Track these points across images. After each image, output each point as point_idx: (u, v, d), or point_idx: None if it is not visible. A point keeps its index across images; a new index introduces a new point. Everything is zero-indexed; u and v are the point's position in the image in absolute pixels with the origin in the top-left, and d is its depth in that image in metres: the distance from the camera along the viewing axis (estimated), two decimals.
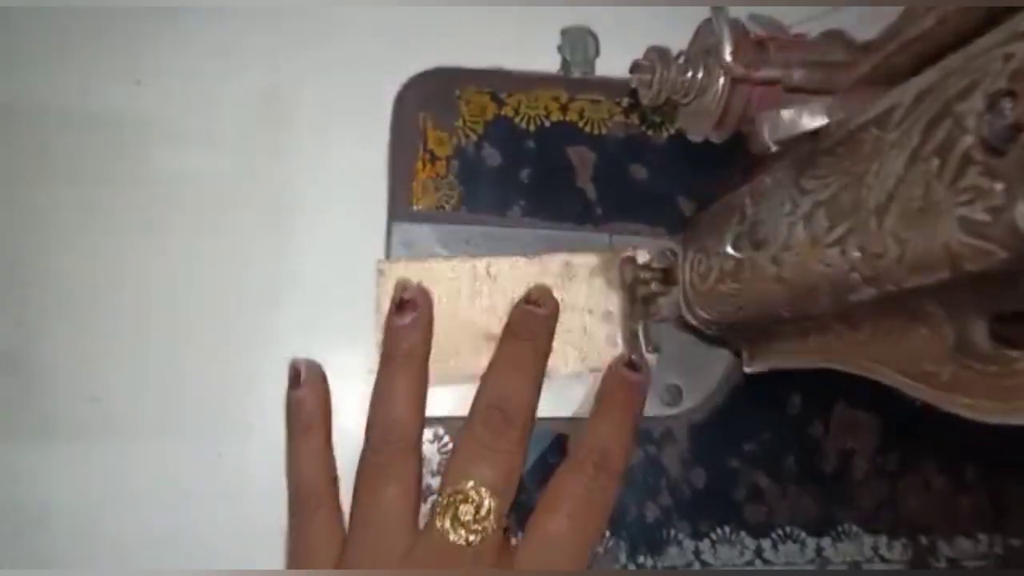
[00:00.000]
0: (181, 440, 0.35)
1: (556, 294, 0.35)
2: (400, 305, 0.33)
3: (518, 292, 0.35)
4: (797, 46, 0.22)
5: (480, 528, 0.28)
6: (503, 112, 0.37)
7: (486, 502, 0.28)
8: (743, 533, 0.36)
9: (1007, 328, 0.17)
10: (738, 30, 0.22)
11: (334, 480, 0.32)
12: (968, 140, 0.15)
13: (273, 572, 0.31)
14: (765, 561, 0.36)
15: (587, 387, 0.35)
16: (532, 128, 0.37)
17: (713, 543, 0.36)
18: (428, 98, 0.37)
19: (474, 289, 0.35)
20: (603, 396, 0.33)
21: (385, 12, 0.38)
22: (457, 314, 0.35)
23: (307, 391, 0.33)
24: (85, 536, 0.34)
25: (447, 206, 0.36)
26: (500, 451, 0.29)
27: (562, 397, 0.36)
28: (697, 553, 0.36)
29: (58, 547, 0.34)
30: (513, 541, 0.30)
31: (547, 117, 0.38)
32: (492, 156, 0.37)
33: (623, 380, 0.33)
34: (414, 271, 0.35)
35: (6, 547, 0.34)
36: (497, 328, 0.34)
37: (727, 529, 0.36)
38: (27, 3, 0.36)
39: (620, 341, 0.36)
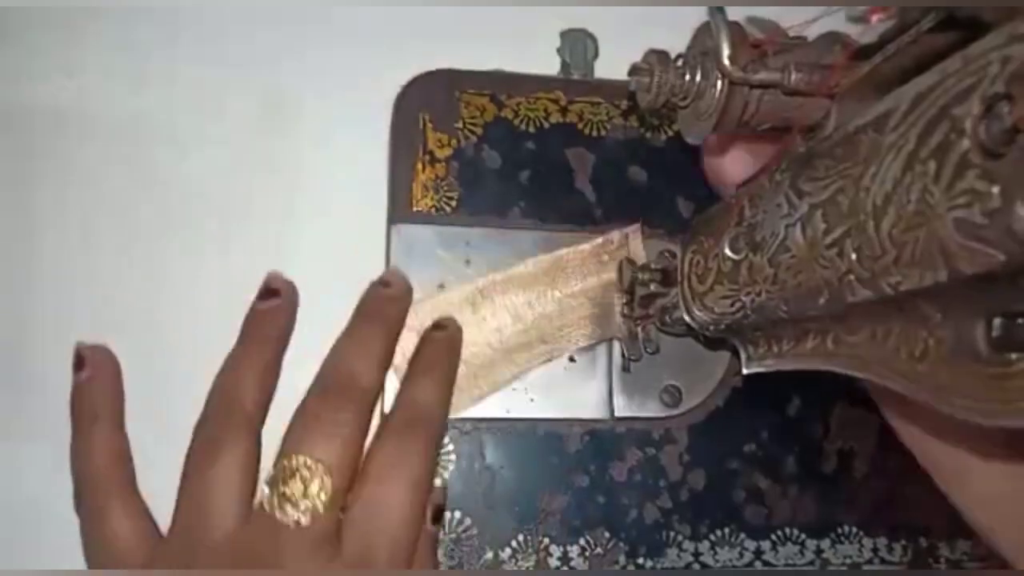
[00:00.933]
0: (181, 440, 0.35)
1: (554, 293, 0.35)
2: (264, 293, 0.32)
3: (518, 300, 0.35)
4: (795, 48, 0.22)
5: (307, 506, 0.26)
6: (503, 114, 0.37)
7: (316, 479, 0.26)
8: (743, 535, 0.36)
9: (1005, 329, 0.17)
10: (736, 33, 0.22)
11: (129, 471, 0.30)
12: (965, 143, 0.15)
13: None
14: (765, 563, 0.36)
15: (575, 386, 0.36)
16: (532, 130, 0.37)
17: (713, 545, 0.36)
18: (428, 100, 0.37)
19: (477, 316, 0.35)
20: (413, 359, 0.32)
21: (385, 14, 0.38)
22: (475, 340, 0.35)
23: (92, 376, 0.30)
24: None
25: (447, 207, 0.36)
26: (336, 425, 0.27)
27: (555, 399, 0.36)
28: (696, 555, 0.36)
29: (58, 546, 0.34)
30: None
31: (546, 119, 0.38)
32: (492, 158, 0.37)
33: (429, 340, 0.33)
34: (425, 311, 0.35)
35: (6, 547, 0.34)
36: (515, 340, 0.35)
37: (727, 531, 0.36)
38: (27, 3, 0.36)
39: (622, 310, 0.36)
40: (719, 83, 0.22)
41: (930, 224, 0.16)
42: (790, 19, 0.24)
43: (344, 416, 0.28)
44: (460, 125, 0.37)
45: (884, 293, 0.18)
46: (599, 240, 0.37)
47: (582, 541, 0.35)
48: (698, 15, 0.23)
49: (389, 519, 0.27)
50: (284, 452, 0.27)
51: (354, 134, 0.37)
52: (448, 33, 0.38)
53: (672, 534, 0.36)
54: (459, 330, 0.34)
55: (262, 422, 0.29)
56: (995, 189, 0.14)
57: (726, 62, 0.21)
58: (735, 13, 0.23)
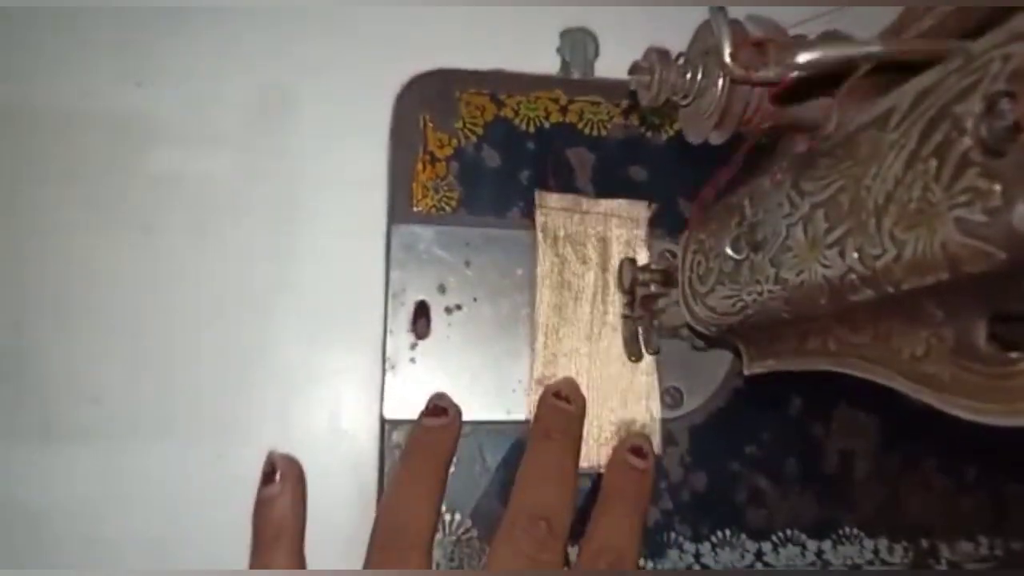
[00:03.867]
0: (180, 441, 0.35)
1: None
2: (432, 409, 0.33)
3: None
4: (796, 47, 0.22)
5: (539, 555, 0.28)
6: (503, 113, 0.37)
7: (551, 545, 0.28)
8: (744, 536, 0.36)
9: (1007, 329, 0.17)
10: (737, 31, 0.22)
11: None
12: (967, 141, 0.15)
13: (272, 572, 0.30)
14: (766, 564, 0.36)
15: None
16: (532, 129, 0.37)
17: (714, 546, 0.36)
18: (428, 99, 0.37)
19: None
20: (609, 489, 0.33)
21: (385, 14, 0.38)
22: None
23: (281, 490, 0.30)
24: (84, 536, 0.34)
25: (447, 207, 0.36)
26: (544, 563, 0.29)
27: None
28: (698, 556, 0.36)
29: (58, 547, 0.34)
30: None
31: (547, 118, 0.38)
32: (492, 157, 0.37)
33: (629, 471, 0.33)
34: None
35: (6, 546, 0.34)
36: None
37: (728, 532, 0.36)
38: (27, 3, 0.36)
39: None
40: (720, 82, 0.22)
41: (931, 223, 0.16)
42: (790, 18, 0.24)
43: (549, 555, 0.29)
44: (460, 125, 0.37)
45: (885, 292, 0.18)
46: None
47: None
48: (700, 13, 0.23)
49: None
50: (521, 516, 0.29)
51: (354, 134, 0.37)
52: (448, 32, 0.38)
53: (673, 535, 0.36)
54: (654, 456, 0.34)
55: (432, 543, 0.30)
56: (996, 187, 0.14)
57: (727, 61, 0.21)
58: (736, 12, 0.23)
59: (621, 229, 0.37)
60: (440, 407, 0.33)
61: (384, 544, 0.29)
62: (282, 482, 0.30)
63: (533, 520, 0.29)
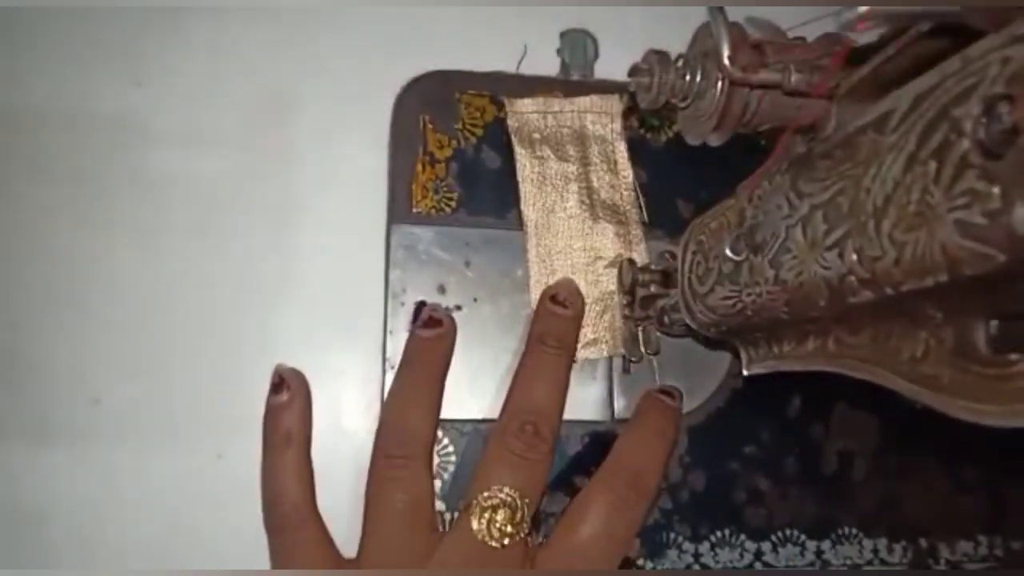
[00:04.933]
0: (181, 441, 0.35)
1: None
2: (428, 320, 0.34)
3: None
4: (795, 49, 0.22)
5: (512, 531, 0.28)
6: (502, 115, 0.37)
7: (520, 507, 0.29)
8: (743, 536, 0.36)
9: (1006, 330, 0.17)
10: (736, 33, 0.22)
11: (314, 496, 0.31)
12: (965, 144, 0.15)
13: (272, 572, 0.31)
14: (765, 564, 0.36)
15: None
16: None
17: (713, 546, 0.36)
18: (428, 101, 0.37)
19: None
20: (639, 415, 0.34)
21: (385, 15, 0.38)
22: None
23: (289, 399, 0.32)
24: (85, 537, 0.34)
25: (447, 208, 0.36)
26: (532, 461, 0.30)
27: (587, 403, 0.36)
28: (697, 556, 0.36)
29: (57, 548, 0.34)
30: (529, 543, 0.30)
31: None
32: (491, 158, 0.37)
33: (660, 403, 0.34)
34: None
35: (6, 547, 0.34)
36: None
37: (727, 532, 0.36)
38: (27, 4, 0.36)
39: None
40: (719, 83, 0.22)
41: (930, 225, 0.16)
42: (790, 20, 0.24)
43: (536, 454, 0.30)
44: (460, 126, 0.37)
45: (885, 294, 0.18)
46: None
47: None
48: (699, 15, 0.23)
49: (586, 567, 0.29)
50: (486, 483, 0.29)
51: (354, 134, 0.37)
52: (448, 34, 0.38)
53: (672, 535, 0.36)
54: (682, 400, 0.35)
55: (433, 450, 0.31)
56: (995, 190, 0.14)
57: (726, 63, 0.21)
58: (735, 14, 0.23)
59: (596, 124, 0.37)
60: (435, 318, 0.33)
61: (389, 451, 0.30)
62: (289, 392, 0.32)
63: (522, 423, 0.30)
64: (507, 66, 0.38)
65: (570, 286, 0.35)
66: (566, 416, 0.35)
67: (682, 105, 0.24)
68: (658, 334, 0.36)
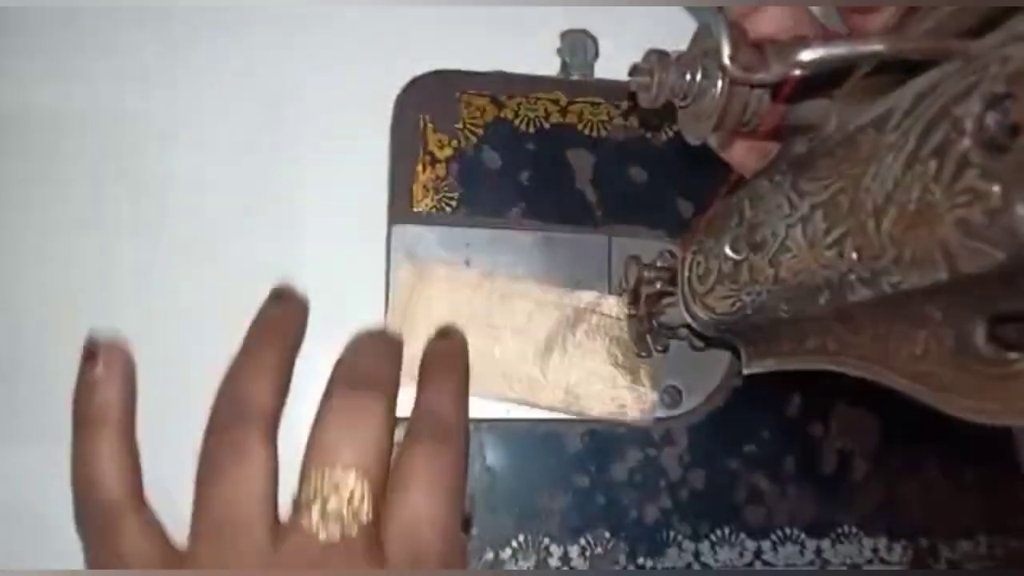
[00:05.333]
0: (180, 441, 0.35)
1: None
2: (274, 296, 0.30)
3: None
4: (799, 46, 0.22)
5: (352, 518, 0.24)
6: (503, 114, 0.37)
7: (357, 487, 0.24)
8: (743, 535, 0.36)
9: (1006, 329, 0.17)
10: (737, 32, 0.22)
11: (139, 482, 0.26)
12: (966, 142, 0.15)
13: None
14: (765, 563, 0.36)
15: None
16: (532, 130, 0.38)
17: (713, 545, 0.36)
18: (428, 101, 0.37)
19: (490, 322, 0.36)
20: (424, 363, 0.30)
21: (385, 15, 0.38)
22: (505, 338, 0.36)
23: (103, 372, 0.27)
24: None
25: (447, 208, 0.36)
26: (363, 418, 0.25)
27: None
28: (697, 555, 0.36)
29: (58, 547, 0.34)
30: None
31: (546, 119, 0.38)
32: (492, 158, 0.37)
33: (436, 346, 0.31)
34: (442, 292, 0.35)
35: (6, 547, 0.34)
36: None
37: (727, 531, 0.36)
38: (27, 3, 0.36)
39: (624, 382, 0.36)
40: (720, 83, 0.22)
41: (931, 224, 0.16)
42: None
43: (374, 412, 0.26)
44: (460, 126, 0.37)
45: (885, 293, 0.18)
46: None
47: (582, 541, 0.35)
48: (699, 15, 0.23)
49: (434, 534, 0.25)
50: (316, 463, 0.25)
51: (354, 135, 0.37)
52: (448, 34, 0.38)
53: (672, 534, 0.36)
54: (464, 339, 0.31)
55: (277, 427, 0.27)
56: (996, 188, 0.14)
57: (727, 62, 0.21)
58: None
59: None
60: (282, 293, 0.30)
61: (223, 423, 0.26)
62: (106, 367, 0.27)
63: (348, 378, 0.27)
64: (507, 66, 0.38)
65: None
66: (566, 416, 0.36)
67: (682, 104, 0.24)
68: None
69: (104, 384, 0.27)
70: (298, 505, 0.24)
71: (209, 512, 0.25)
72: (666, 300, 0.33)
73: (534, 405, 0.35)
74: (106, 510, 0.25)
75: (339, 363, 0.28)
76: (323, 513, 0.24)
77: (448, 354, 0.31)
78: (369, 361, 0.28)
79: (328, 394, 0.27)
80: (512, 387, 0.35)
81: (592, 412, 0.36)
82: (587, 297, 0.36)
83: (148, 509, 0.26)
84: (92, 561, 0.26)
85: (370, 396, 0.26)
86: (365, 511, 0.24)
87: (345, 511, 0.24)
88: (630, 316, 0.36)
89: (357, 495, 0.24)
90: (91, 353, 0.27)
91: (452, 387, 0.29)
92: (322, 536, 0.24)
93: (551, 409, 0.35)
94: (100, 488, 0.25)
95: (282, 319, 0.30)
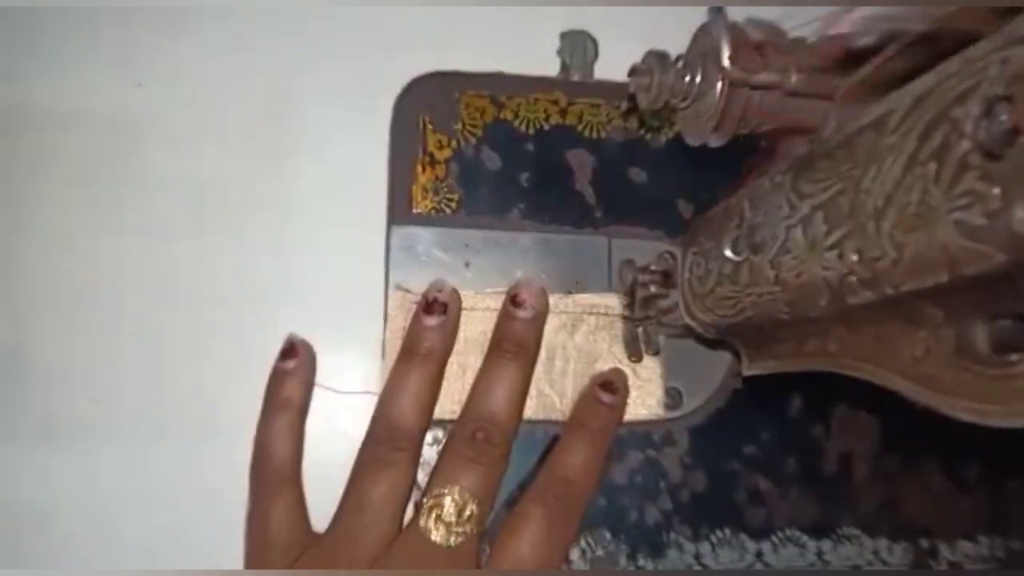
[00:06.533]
0: (180, 441, 0.35)
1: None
2: (429, 305, 0.33)
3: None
4: (795, 50, 0.22)
5: (460, 530, 0.29)
6: (502, 115, 0.37)
7: (468, 507, 0.30)
8: (743, 536, 0.36)
9: (1006, 330, 0.17)
10: (736, 34, 0.22)
11: (300, 463, 0.32)
12: (965, 144, 0.15)
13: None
14: (765, 564, 0.36)
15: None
16: (531, 131, 0.37)
17: (713, 546, 0.36)
18: (428, 101, 0.37)
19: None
20: (574, 421, 0.34)
21: (386, 15, 0.38)
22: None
23: (295, 366, 0.33)
24: (85, 536, 0.34)
25: (447, 209, 0.36)
26: (482, 465, 0.31)
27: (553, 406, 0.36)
28: (697, 556, 0.36)
29: (57, 548, 0.34)
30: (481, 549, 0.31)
31: (546, 120, 0.38)
32: (491, 159, 0.37)
33: (596, 405, 0.34)
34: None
35: (6, 547, 0.34)
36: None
37: (727, 532, 0.36)
38: (27, 3, 0.36)
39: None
40: (719, 84, 0.22)
41: (930, 225, 0.16)
42: (790, 20, 0.24)
43: (487, 459, 0.31)
44: (460, 126, 0.37)
45: (885, 294, 0.18)
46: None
47: (583, 542, 0.35)
48: (699, 16, 0.23)
49: None
50: (439, 483, 0.30)
51: (354, 135, 0.37)
52: (448, 34, 0.38)
53: (673, 535, 0.36)
54: (627, 393, 0.35)
55: (422, 440, 0.32)
56: (995, 190, 0.14)
57: (726, 63, 0.21)
58: (735, 14, 0.23)
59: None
60: (437, 302, 0.33)
61: (377, 441, 0.31)
62: (296, 361, 0.33)
63: (474, 429, 0.31)
64: (507, 66, 0.38)
65: (531, 285, 0.34)
66: (566, 416, 0.36)
67: (682, 106, 0.24)
68: (657, 334, 0.36)
69: (293, 377, 0.33)
70: (420, 507, 0.30)
71: (351, 507, 0.30)
72: (661, 303, 0.33)
73: (547, 420, 0.35)
74: (274, 476, 0.31)
75: (473, 397, 0.32)
76: (438, 519, 0.29)
77: (604, 421, 0.34)
78: (498, 398, 0.32)
79: (458, 432, 0.32)
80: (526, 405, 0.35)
81: None
82: (583, 300, 0.36)
83: (302, 490, 0.32)
84: (251, 513, 0.32)
85: (489, 444, 0.31)
86: (470, 528, 0.29)
87: (455, 522, 0.29)
88: (625, 319, 0.36)
89: (466, 514, 0.30)
90: (289, 350, 0.33)
91: (593, 458, 0.32)
92: (432, 537, 0.29)
93: (565, 416, 0.35)
94: (274, 457, 0.32)
95: (435, 344, 0.33)
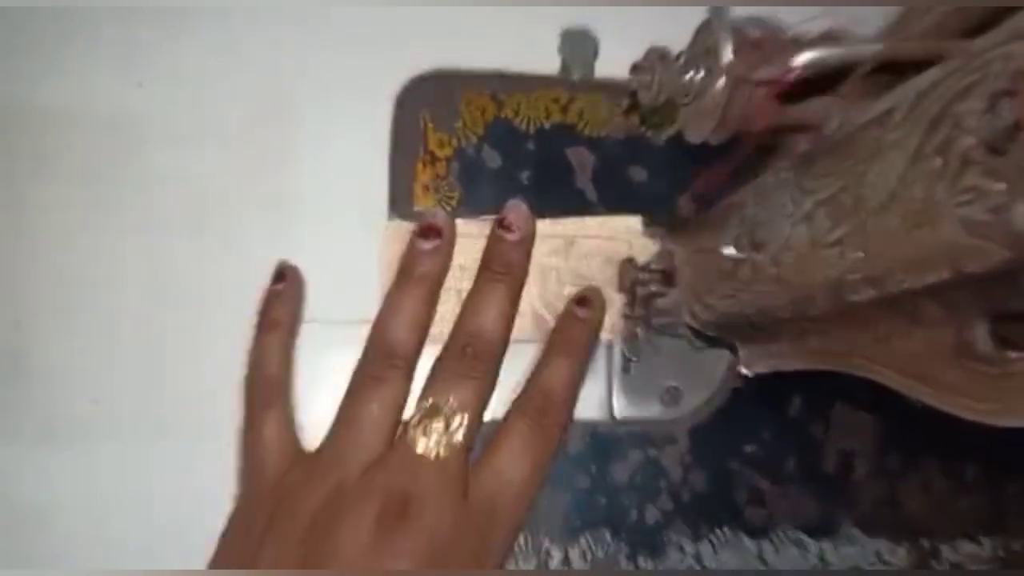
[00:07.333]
0: (180, 441, 0.35)
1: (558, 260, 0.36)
2: (424, 230, 0.34)
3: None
4: (796, 47, 0.22)
5: (447, 442, 0.29)
6: (503, 114, 0.37)
7: (456, 418, 0.30)
8: (743, 535, 0.36)
9: (1007, 329, 0.17)
10: (738, 31, 0.22)
11: (290, 380, 0.33)
12: (968, 140, 0.15)
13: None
14: (766, 564, 0.36)
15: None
16: (532, 129, 0.37)
17: (713, 546, 0.36)
18: (428, 100, 0.37)
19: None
20: (552, 337, 0.34)
21: (385, 14, 0.38)
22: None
23: (286, 289, 0.34)
24: (85, 536, 0.34)
25: (447, 207, 0.36)
26: (472, 379, 0.31)
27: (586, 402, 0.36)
28: (697, 556, 0.36)
29: (58, 547, 0.34)
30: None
31: (547, 118, 0.38)
32: (492, 157, 0.37)
33: (573, 321, 0.34)
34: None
35: (6, 547, 0.34)
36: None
37: (727, 532, 0.36)
38: (27, 3, 0.36)
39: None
40: (721, 81, 0.22)
41: (934, 221, 0.16)
42: (791, 17, 0.24)
43: (476, 373, 0.31)
44: (460, 125, 0.37)
45: (886, 291, 0.18)
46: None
47: (583, 542, 0.35)
48: (700, 13, 0.23)
49: (514, 492, 0.30)
50: (426, 395, 0.31)
51: (354, 134, 0.37)
52: (448, 33, 0.38)
53: (673, 535, 0.36)
54: (604, 309, 0.35)
55: (416, 361, 0.32)
56: (999, 186, 0.14)
57: (728, 60, 0.21)
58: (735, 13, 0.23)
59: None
60: (435, 226, 0.34)
61: (372, 358, 0.32)
62: (285, 284, 0.34)
63: (461, 346, 0.32)
64: (508, 65, 0.38)
65: (518, 209, 0.35)
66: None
67: (683, 103, 0.24)
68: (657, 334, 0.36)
69: (282, 299, 0.34)
70: (408, 421, 0.30)
71: (343, 425, 0.31)
72: (661, 301, 0.33)
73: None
74: (264, 391, 0.32)
75: (461, 317, 0.33)
76: (426, 429, 0.30)
77: (579, 334, 0.34)
78: (486, 316, 0.32)
79: (448, 348, 0.32)
80: (521, 328, 0.35)
81: None
82: (571, 225, 0.37)
83: (290, 408, 0.33)
84: (243, 432, 0.32)
85: (479, 359, 0.31)
86: (459, 440, 0.30)
87: (443, 434, 0.29)
88: (625, 317, 0.36)
89: (455, 424, 0.30)
90: (281, 274, 0.35)
91: (573, 363, 0.33)
92: (419, 448, 0.29)
93: None
94: (266, 368, 0.33)
95: (431, 268, 0.34)
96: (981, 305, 0.17)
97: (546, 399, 0.32)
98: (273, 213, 0.37)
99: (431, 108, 0.37)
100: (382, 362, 0.31)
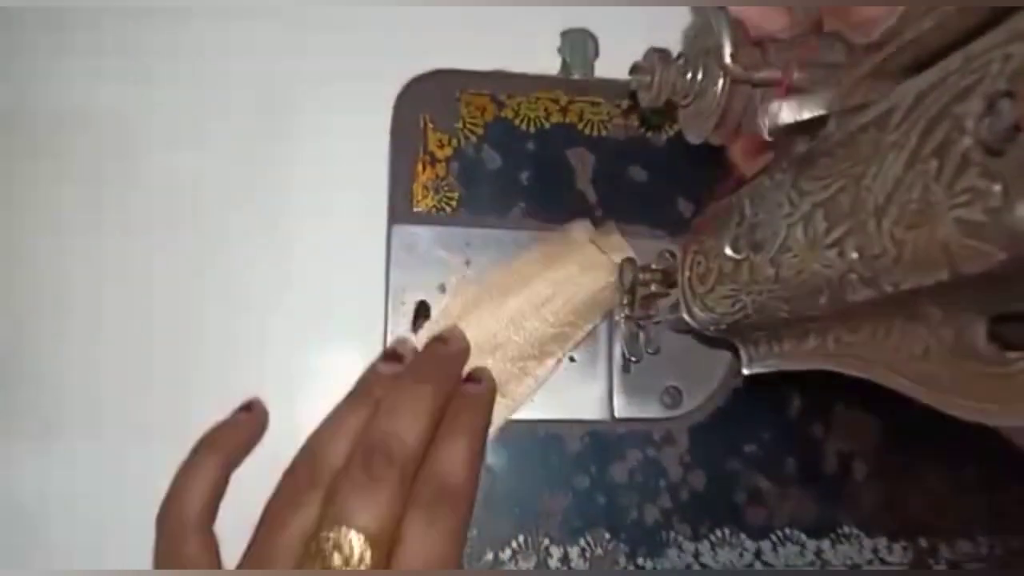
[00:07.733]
0: (180, 441, 0.35)
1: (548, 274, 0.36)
2: (388, 354, 0.34)
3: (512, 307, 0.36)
4: (796, 47, 0.22)
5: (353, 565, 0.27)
6: (503, 114, 0.37)
7: (357, 552, 0.27)
8: (743, 535, 0.36)
9: (1006, 329, 0.17)
10: (738, 31, 0.22)
11: (214, 513, 0.31)
12: (967, 141, 0.15)
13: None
14: (765, 563, 0.36)
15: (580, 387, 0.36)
16: (532, 130, 0.37)
17: (713, 545, 0.36)
18: (428, 100, 0.37)
19: (483, 326, 0.35)
20: (447, 416, 0.31)
21: (385, 14, 0.38)
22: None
23: (247, 420, 0.33)
24: (84, 536, 0.34)
25: (447, 208, 0.36)
26: (378, 494, 0.28)
27: (555, 400, 0.36)
28: (697, 555, 0.36)
29: (58, 547, 0.34)
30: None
31: (547, 119, 0.38)
32: (492, 158, 0.37)
33: (461, 398, 0.32)
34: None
35: (6, 547, 0.34)
36: (519, 350, 0.35)
37: (727, 531, 0.36)
38: (27, 3, 0.36)
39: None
40: (721, 81, 0.22)
41: (931, 223, 0.16)
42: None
43: (385, 486, 0.28)
44: (460, 125, 0.37)
45: (885, 292, 0.18)
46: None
47: (582, 542, 0.35)
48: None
49: None
50: (328, 523, 0.27)
51: (354, 135, 0.37)
52: (448, 33, 0.38)
53: (672, 535, 0.36)
54: (493, 382, 0.34)
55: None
56: (996, 187, 0.14)
57: (728, 60, 0.21)
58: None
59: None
60: (395, 353, 0.34)
61: (301, 474, 0.30)
62: (249, 417, 0.33)
63: (371, 450, 0.29)
64: (508, 65, 0.38)
65: (455, 328, 0.35)
66: (566, 416, 0.36)
67: (683, 103, 0.24)
68: (657, 333, 0.36)
69: (240, 427, 0.33)
70: (311, 552, 0.27)
71: (260, 544, 0.29)
72: (661, 302, 0.33)
73: (547, 419, 0.36)
74: (187, 516, 0.30)
75: (369, 431, 0.30)
76: (326, 562, 0.26)
77: (472, 402, 0.32)
78: (401, 423, 0.30)
79: (354, 457, 0.29)
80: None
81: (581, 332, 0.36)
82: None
83: (213, 535, 0.31)
84: (157, 548, 0.30)
85: (388, 469, 0.28)
86: (366, 563, 0.27)
87: (346, 562, 0.27)
88: (626, 318, 0.36)
89: (357, 554, 0.27)
90: (248, 407, 0.34)
91: (468, 442, 0.31)
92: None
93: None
94: (186, 508, 0.30)
95: (383, 380, 0.32)
96: (980, 305, 0.17)
97: (442, 486, 0.29)
98: (272, 213, 0.37)
99: (431, 108, 0.37)
100: (306, 482, 0.29)
